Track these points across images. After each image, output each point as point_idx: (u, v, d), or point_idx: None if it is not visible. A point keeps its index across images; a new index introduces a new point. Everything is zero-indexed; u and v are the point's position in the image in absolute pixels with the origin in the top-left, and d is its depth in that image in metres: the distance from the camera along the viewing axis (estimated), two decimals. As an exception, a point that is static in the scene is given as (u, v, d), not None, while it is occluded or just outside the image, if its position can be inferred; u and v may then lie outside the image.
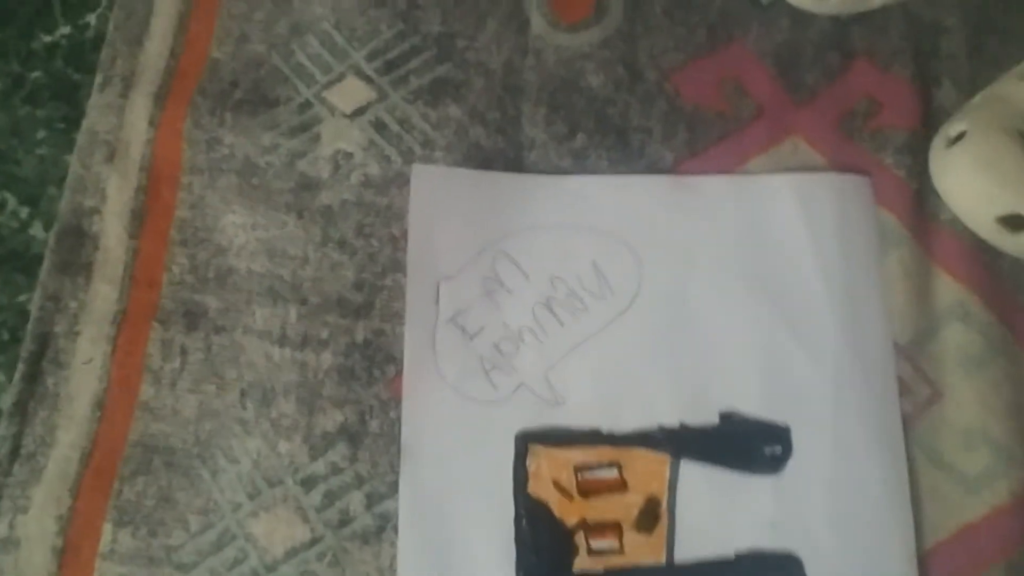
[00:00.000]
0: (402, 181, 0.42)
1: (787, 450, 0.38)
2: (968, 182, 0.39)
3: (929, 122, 0.43)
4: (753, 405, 0.38)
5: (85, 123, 0.43)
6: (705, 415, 0.38)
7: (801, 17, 0.46)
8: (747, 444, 0.38)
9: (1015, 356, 0.39)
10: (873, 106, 0.44)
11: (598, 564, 0.36)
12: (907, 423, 0.38)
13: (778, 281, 0.40)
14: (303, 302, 0.40)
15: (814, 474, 0.37)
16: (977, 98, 0.42)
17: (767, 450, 0.38)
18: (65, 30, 0.47)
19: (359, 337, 0.40)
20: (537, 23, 0.46)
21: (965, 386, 0.39)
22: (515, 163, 0.43)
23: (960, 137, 0.40)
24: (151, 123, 0.43)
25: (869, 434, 0.38)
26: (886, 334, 0.39)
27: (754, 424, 0.38)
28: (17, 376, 0.39)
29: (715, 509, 0.37)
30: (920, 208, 0.42)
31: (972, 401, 0.39)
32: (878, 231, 0.41)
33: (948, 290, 0.40)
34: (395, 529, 0.37)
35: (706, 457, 0.38)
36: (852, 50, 0.45)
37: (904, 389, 0.39)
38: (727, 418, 0.38)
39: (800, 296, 0.40)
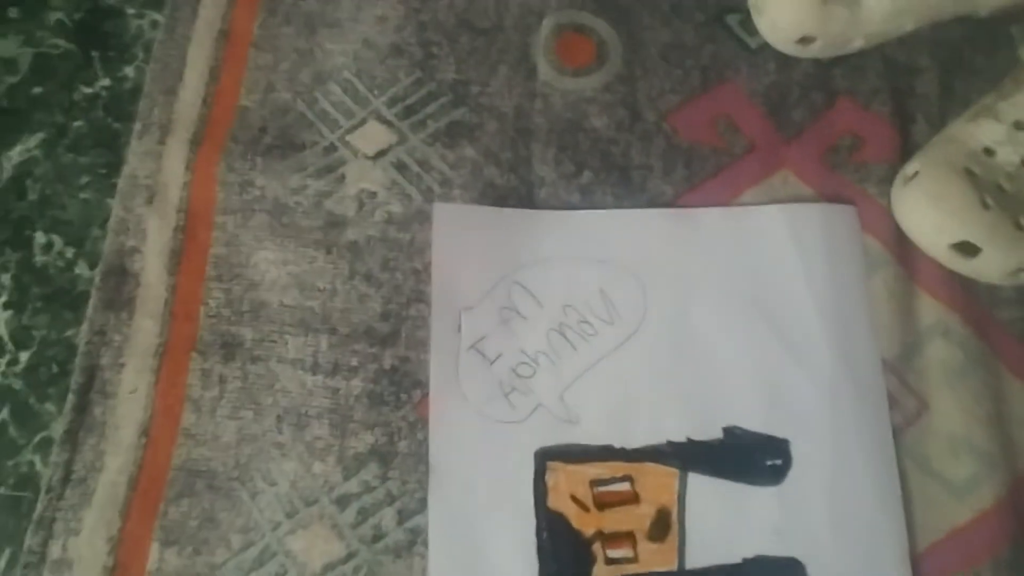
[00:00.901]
0: (423, 218, 0.45)
1: (787, 462, 0.40)
2: (922, 215, 0.43)
3: (906, 156, 0.46)
4: (754, 420, 0.41)
5: (126, 169, 0.46)
6: (710, 430, 0.41)
7: (786, 60, 0.49)
8: (750, 457, 0.40)
9: (993, 368, 0.42)
10: (856, 141, 0.47)
11: (615, 572, 0.38)
12: (897, 433, 0.41)
13: (773, 304, 0.43)
14: (333, 332, 0.43)
15: (813, 484, 0.40)
16: (932, 140, 0.46)
17: (768, 462, 0.40)
18: (105, 82, 0.49)
19: (387, 364, 0.42)
20: (544, 70, 0.49)
21: (948, 398, 0.42)
22: (527, 200, 0.46)
23: (914, 176, 0.44)
24: (187, 168, 0.46)
25: (863, 445, 0.40)
26: (875, 351, 0.42)
27: (756, 438, 0.41)
28: (67, 407, 0.41)
29: (722, 518, 0.39)
30: (901, 234, 0.45)
31: (955, 411, 0.41)
32: (864, 255, 0.44)
33: (929, 309, 0.43)
34: (425, 543, 0.39)
35: (712, 470, 0.40)
36: (834, 90, 0.49)
37: (892, 402, 0.41)
38: (730, 433, 0.41)
39: (794, 317, 0.43)
